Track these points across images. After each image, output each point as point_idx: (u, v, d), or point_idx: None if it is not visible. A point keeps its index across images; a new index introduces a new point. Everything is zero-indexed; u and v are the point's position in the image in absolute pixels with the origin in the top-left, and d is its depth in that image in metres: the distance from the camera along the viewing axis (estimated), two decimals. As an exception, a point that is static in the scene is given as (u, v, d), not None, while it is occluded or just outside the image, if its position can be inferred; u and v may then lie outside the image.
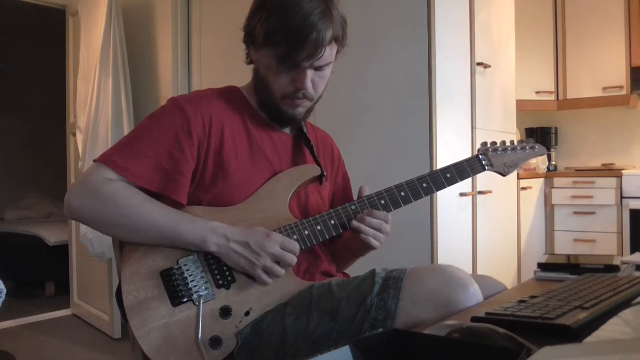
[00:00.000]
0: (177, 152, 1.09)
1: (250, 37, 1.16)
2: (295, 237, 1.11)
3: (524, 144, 1.31)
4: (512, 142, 1.31)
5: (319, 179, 1.24)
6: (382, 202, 1.17)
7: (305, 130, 1.28)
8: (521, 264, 3.05)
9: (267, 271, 1.06)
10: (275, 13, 1.08)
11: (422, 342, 0.71)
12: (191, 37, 3.09)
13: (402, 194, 1.17)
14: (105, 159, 1.09)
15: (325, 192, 1.31)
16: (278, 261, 1.06)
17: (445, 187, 1.20)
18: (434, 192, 1.20)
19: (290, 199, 1.17)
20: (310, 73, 1.13)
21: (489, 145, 1.28)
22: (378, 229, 1.15)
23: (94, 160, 1.11)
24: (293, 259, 1.08)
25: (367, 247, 1.21)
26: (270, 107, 1.19)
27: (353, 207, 1.16)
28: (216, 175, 1.12)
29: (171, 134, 1.10)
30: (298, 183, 1.18)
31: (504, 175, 1.28)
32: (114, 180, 1.07)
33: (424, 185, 1.18)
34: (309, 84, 1.13)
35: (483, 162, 1.25)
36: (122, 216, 1.06)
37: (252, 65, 1.23)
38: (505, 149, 1.28)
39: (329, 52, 1.12)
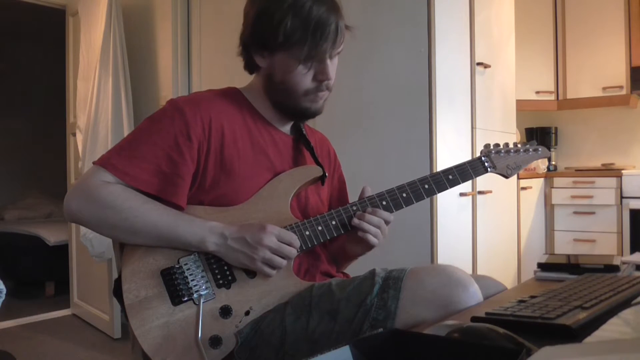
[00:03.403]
0: (176, 155, 1.09)
1: (259, 44, 1.15)
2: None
3: (527, 146, 1.30)
4: (515, 144, 1.30)
5: (321, 179, 1.23)
6: (384, 203, 1.17)
7: (304, 132, 1.28)
8: (521, 264, 3.05)
9: (267, 263, 1.06)
10: (288, 14, 1.09)
11: (422, 342, 0.71)
12: (191, 37, 3.09)
13: (404, 195, 1.17)
14: (104, 162, 1.09)
15: (324, 194, 1.31)
16: (277, 253, 1.07)
17: (448, 188, 1.20)
18: (435, 193, 1.19)
19: (291, 200, 1.17)
20: (329, 64, 1.15)
21: (492, 147, 1.28)
22: (377, 227, 1.15)
23: (93, 163, 1.11)
24: (292, 251, 1.08)
25: (364, 247, 1.21)
26: (291, 107, 1.19)
27: (354, 207, 1.16)
28: (218, 177, 1.12)
29: (170, 137, 1.10)
30: (300, 184, 1.18)
31: (506, 177, 1.28)
32: (113, 184, 1.07)
33: (426, 186, 1.18)
34: (330, 71, 1.15)
35: (486, 164, 1.24)
36: (121, 219, 1.06)
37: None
38: (508, 151, 1.28)
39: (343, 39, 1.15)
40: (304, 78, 1.14)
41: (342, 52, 1.19)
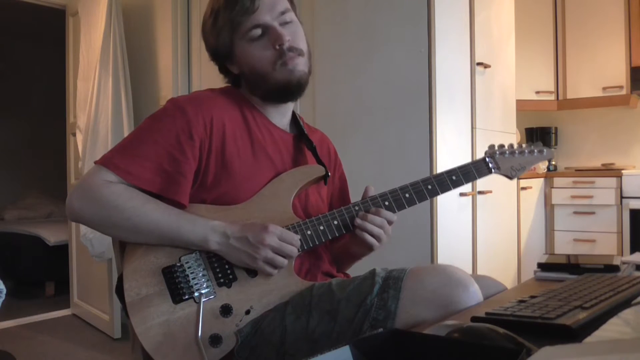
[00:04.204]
0: (178, 153, 1.09)
1: (221, 56, 1.22)
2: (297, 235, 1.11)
3: (532, 147, 1.29)
4: (520, 145, 1.29)
5: (323, 179, 1.23)
6: (386, 203, 1.16)
7: (305, 131, 1.28)
8: (521, 264, 3.06)
9: (269, 263, 1.07)
10: (211, 16, 1.19)
11: (422, 342, 0.71)
12: (191, 37, 3.09)
13: (407, 195, 1.17)
14: (106, 162, 1.09)
15: (324, 193, 1.31)
16: (279, 253, 1.07)
17: (451, 189, 1.19)
18: (439, 194, 1.19)
19: (293, 199, 1.17)
20: (278, 27, 1.16)
21: (496, 147, 1.26)
22: (380, 227, 1.15)
23: (95, 163, 1.11)
24: (293, 250, 1.08)
25: (366, 248, 1.20)
26: (273, 88, 1.18)
27: (357, 207, 1.16)
28: (219, 176, 1.13)
29: (172, 136, 1.10)
30: (302, 183, 1.18)
31: (511, 178, 1.26)
32: (115, 183, 1.08)
33: (429, 187, 1.18)
34: (283, 32, 1.16)
35: (490, 164, 1.23)
36: (123, 219, 1.06)
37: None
38: (512, 152, 1.26)
39: None
40: (262, 53, 1.16)
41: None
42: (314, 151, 1.25)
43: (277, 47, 1.15)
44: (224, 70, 1.26)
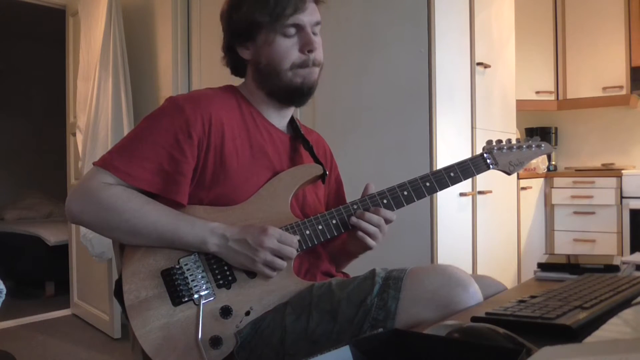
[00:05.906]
0: (177, 153, 1.09)
1: (239, 38, 1.20)
2: (296, 236, 1.11)
3: (530, 142, 1.28)
4: (518, 140, 1.28)
5: (322, 178, 1.23)
6: (385, 201, 1.16)
7: (301, 132, 1.28)
8: (521, 264, 3.05)
9: (268, 265, 1.06)
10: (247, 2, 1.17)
11: (422, 342, 0.71)
12: (191, 37, 3.09)
13: (405, 193, 1.17)
14: (105, 163, 1.09)
15: (321, 194, 1.31)
16: (278, 255, 1.07)
17: (449, 186, 1.19)
18: (437, 191, 1.18)
19: (291, 199, 1.17)
20: (312, 34, 1.17)
21: (494, 143, 1.26)
22: (377, 226, 1.14)
23: (94, 164, 1.11)
24: (292, 252, 1.08)
25: (363, 247, 1.20)
26: (284, 88, 1.19)
27: (355, 206, 1.16)
28: (217, 175, 1.12)
29: (171, 135, 1.10)
30: (300, 182, 1.18)
31: (509, 174, 1.26)
32: (114, 185, 1.08)
33: (427, 184, 1.17)
34: (315, 40, 1.16)
35: (488, 160, 1.23)
36: (122, 221, 1.06)
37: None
38: (510, 148, 1.26)
39: (315, 7, 1.18)
40: (289, 50, 1.16)
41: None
42: (311, 151, 1.25)
43: (306, 52, 1.16)
44: (232, 52, 1.24)
